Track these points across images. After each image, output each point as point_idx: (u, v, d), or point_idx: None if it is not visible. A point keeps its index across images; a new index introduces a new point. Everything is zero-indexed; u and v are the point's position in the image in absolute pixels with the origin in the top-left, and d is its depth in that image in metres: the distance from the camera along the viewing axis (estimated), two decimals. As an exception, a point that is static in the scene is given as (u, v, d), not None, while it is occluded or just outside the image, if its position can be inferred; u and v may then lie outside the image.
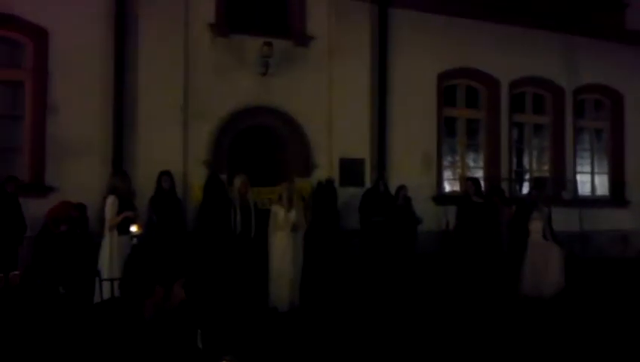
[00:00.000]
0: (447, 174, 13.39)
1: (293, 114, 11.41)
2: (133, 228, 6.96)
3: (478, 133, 13.71)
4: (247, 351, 5.59)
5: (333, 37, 11.73)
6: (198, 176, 10.37)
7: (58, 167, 9.73)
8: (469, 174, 13.08)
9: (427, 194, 12.24)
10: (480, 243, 10.01)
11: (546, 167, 14.37)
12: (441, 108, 12.98)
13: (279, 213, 8.23)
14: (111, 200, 7.23)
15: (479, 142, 13.70)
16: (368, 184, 11.69)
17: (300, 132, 11.50)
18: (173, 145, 10.41)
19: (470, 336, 6.91)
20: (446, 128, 13.29)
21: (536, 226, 9.46)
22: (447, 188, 13.32)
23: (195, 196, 10.25)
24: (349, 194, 11.40)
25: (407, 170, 12.02)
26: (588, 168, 14.89)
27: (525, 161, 14.37)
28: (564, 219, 11.76)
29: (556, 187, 13.81)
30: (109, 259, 7.01)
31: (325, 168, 11.55)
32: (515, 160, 14.01)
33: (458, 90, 13.47)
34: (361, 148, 11.93)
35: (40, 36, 9.94)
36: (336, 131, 11.68)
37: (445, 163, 13.34)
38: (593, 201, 14.33)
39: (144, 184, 9.50)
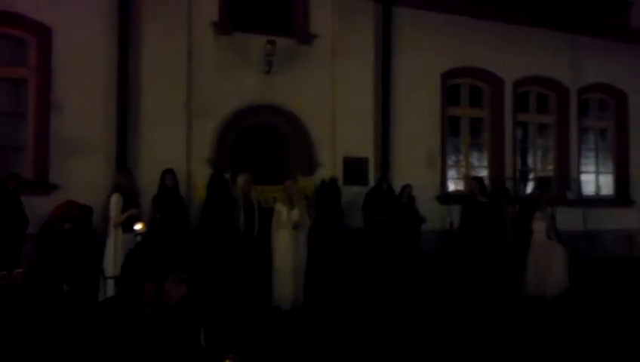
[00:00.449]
0: (451, 173, 13.35)
1: (297, 112, 11.39)
2: (138, 226, 6.95)
3: (482, 133, 13.67)
4: (250, 350, 5.56)
5: (337, 35, 11.70)
6: (201, 175, 10.35)
7: (62, 165, 9.71)
8: (473, 173, 13.05)
9: (431, 194, 12.21)
10: (485, 243, 10.00)
11: (550, 167, 14.33)
12: (445, 107, 12.95)
13: (282, 211, 8.22)
14: (115, 198, 7.23)
15: (483, 142, 13.66)
16: (372, 183, 11.66)
17: (303, 130, 11.47)
18: (176, 144, 10.39)
19: (472, 336, 6.89)
20: (450, 127, 13.25)
21: (539, 226, 9.43)
22: (451, 187, 13.28)
23: (198, 194, 10.23)
24: (352, 193, 11.36)
25: (410, 168, 12.00)
26: (592, 168, 14.85)
27: (529, 160, 14.33)
28: (568, 219, 11.73)
29: (561, 187, 13.77)
30: (113, 256, 7.01)
31: (329, 167, 11.52)
32: (519, 159, 13.98)
33: (462, 89, 13.42)
34: (364, 146, 11.89)
35: (44, 34, 9.92)
36: (339, 130, 11.65)
37: (449, 162, 13.30)
38: (598, 201, 14.29)
39: (147, 182, 9.47)
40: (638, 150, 14.61)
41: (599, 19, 13.91)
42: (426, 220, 11.13)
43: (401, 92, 12.21)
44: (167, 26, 10.47)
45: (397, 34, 12.21)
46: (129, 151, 10.16)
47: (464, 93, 13.45)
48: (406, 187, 11.03)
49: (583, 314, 8.26)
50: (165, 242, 6.68)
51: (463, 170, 13.47)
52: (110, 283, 6.33)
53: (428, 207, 11.57)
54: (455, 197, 12.32)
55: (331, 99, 11.63)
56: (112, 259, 7.00)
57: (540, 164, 14.39)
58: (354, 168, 11.73)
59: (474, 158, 13.69)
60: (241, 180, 8.63)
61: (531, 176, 14.21)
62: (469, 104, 13.52)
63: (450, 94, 13.16)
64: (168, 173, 9.45)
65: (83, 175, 9.57)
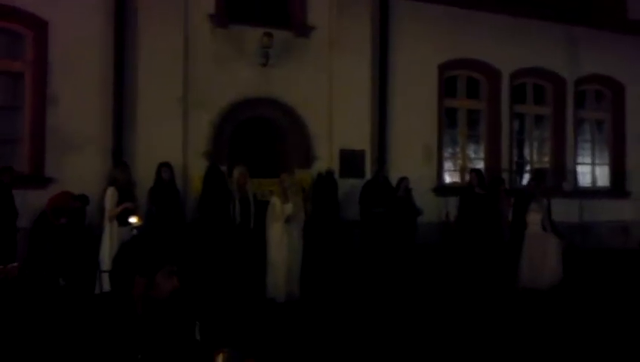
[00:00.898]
0: (447, 165, 13.38)
1: (294, 105, 11.39)
2: (133, 220, 6.98)
3: (479, 124, 13.69)
4: (244, 342, 5.60)
5: (334, 28, 11.68)
6: (197, 168, 10.37)
7: (58, 159, 9.73)
8: (470, 165, 13.08)
9: (427, 186, 12.25)
10: (482, 235, 10.04)
11: (546, 158, 14.35)
12: (442, 99, 12.96)
13: (277, 204, 8.25)
14: (110, 192, 7.27)
15: (480, 133, 13.68)
16: (368, 175, 11.68)
17: (300, 123, 11.48)
18: (173, 137, 10.40)
19: (467, 327, 6.93)
20: (447, 119, 13.28)
21: (533, 218, 9.45)
22: (448, 179, 13.32)
23: (195, 187, 10.25)
24: (349, 186, 11.39)
25: (407, 161, 12.02)
26: (589, 159, 14.88)
27: (526, 152, 14.36)
28: (564, 210, 11.77)
29: (557, 178, 13.80)
30: (109, 250, 7.05)
31: (325, 159, 11.54)
32: (515, 151, 14.00)
33: (459, 80, 13.43)
34: (361, 139, 11.90)
35: (40, 27, 9.92)
36: (336, 122, 11.65)
37: (446, 154, 13.33)
38: (594, 192, 14.33)
39: (144, 175, 9.50)
40: (635, 142, 14.63)
41: (596, 11, 13.88)
42: (423, 212, 11.16)
43: (398, 84, 12.22)
44: (164, 19, 10.44)
45: (394, 26, 12.20)
46: (125, 144, 10.17)
47: (461, 84, 13.46)
48: (403, 179, 11.05)
49: (576, 305, 8.31)
50: (156, 235, 6.71)
51: (459, 162, 13.50)
52: (106, 277, 6.35)
53: (424, 199, 11.60)
54: (452, 189, 12.36)
55: (328, 92, 11.62)
56: (107, 253, 7.04)
57: (536, 155, 14.41)
58: (351, 161, 11.75)
59: (471, 150, 13.72)
60: (236, 173, 8.65)
61: (528, 167, 14.24)
62: (466, 96, 13.52)
63: (447, 86, 13.17)
64: (165, 166, 9.46)
65: (79, 168, 9.59)
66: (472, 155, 13.69)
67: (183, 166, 10.41)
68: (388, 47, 12.16)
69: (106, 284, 6.75)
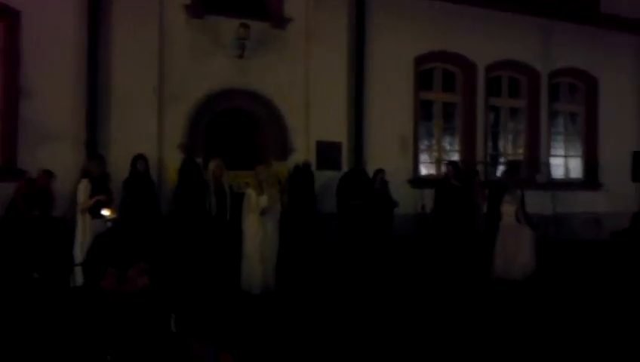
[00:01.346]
0: (423, 157, 13.46)
1: (270, 97, 11.36)
2: (105, 212, 6.93)
3: (455, 117, 13.77)
4: (219, 335, 5.60)
5: (311, 19, 11.66)
6: (173, 159, 10.31)
7: (31, 151, 9.60)
8: (446, 158, 13.18)
9: (403, 178, 12.30)
10: (457, 226, 10.13)
11: (521, 151, 14.50)
12: (418, 92, 13.02)
13: (252, 196, 8.24)
14: (83, 184, 7.20)
15: (455, 126, 13.77)
16: (345, 167, 11.71)
17: (276, 115, 11.46)
18: (148, 128, 10.32)
19: (442, 318, 7.00)
20: (423, 112, 13.33)
21: (507, 209, 9.53)
22: (424, 171, 13.39)
23: (170, 179, 10.19)
24: (325, 178, 11.41)
25: (383, 153, 12.06)
26: (562, 151, 15.06)
27: (501, 144, 14.48)
28: (538, 202, 11.90)
29: (531, 170, 13.95)
30: (81, 243, 6.98)
31: (302, 151, 11.54)
32: (490, 143, 14.11)
33: (435, 73, 13.49)
34: (338, 131, 11.92)
35: (12, 18, 9.75)
36: (313, 114, 11.65)
37: (422, 146, 13.40)
38: (567, 184, 14.51)
39: (118, 167, 9.41)
40: (607, 134, 14.83)
41: (570, 4, 14.03)
42: (399, 204, 11.22)
43: (374, 76, 12.24)
44: (138, 9, 10.34)
45: (371, 18, 12.21)
46: (99, 136, 10.08)
47: (437, 77, 13.52)
48: (379, 171, 11.08)
49: (549, 295, 8.42)
50: (133, 229, 6.67)
51: (435, 154, 13.59)
52: (79, 271, 6.30)
53: (400, 190, 11.65)
54: (427, 181, 12.44)
55: (305, 84, 11.62)
56: (79, 246, 6.96)
57: (510, 147, 14.56)
58: (327, 153, 11.76)
59: (446, 142, 13.81)
60: (212, 165, 8.62)
61: (502, 159, 14.37)
62: (442, 89, 13.59)
63: (423, 79, 13.22)
64: (140, 158, 9.38)
65: (52, 160, 9.44)
66: (448, 147, 13.79)
67: (158, 158, 10.35)
68: (364, 39, 12.17)
69: (79, 278, 6.70)
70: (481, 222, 10.38)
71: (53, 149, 9.59)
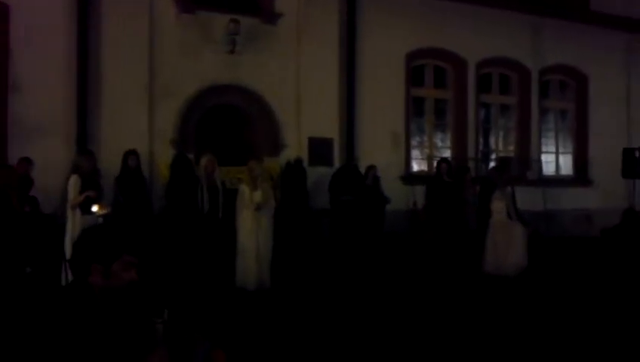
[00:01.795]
0: (415, 154, 13.47)
1: (261, 92, 11.32)
2: (95, 208, 6.85)
3: (446, 113, 13.79)
4: (214, 332, 5.57)
5: (302, 15, 11.63)
6: (164, 155, 10.26)
7: (20, 146, 9.49)
8: (437, 154, 13.19)
9: (395, 174, 12.31)
10: (449, 222, 10.13)
11: (511, 147, 14.55)
12: (409, 88, 13.02)
13: (246, 191, 8.19)
14: (73, 180, 7.12)
15: (447, 122, 13.78)
16: (337, 164, 11.69)
17: (268, 111, 11.42)
18: (138, 124, 10.27)
19: (434, 314, 7.00)
20: (414, 108, 13.33)
21: (497, 206, 9.54)
22: (415, 167, 13.40)
23: (161, 175, 10.13)
24: (318, 174, 11.38)
25: (375, 149, 12.05)
26: (552, 148, 15.11)
27: (492, 141, 14.52)
28: (529, 199, 11.92)
29: (521, 167, 13.99)
30: (72, 239, 6.90)
31: (294, 147, 11.52)
32: (481, 140, 14.14)
33: (426, 69, 13.50)
34: (329, 127, 11.91)
35: (1, 12, 9.65)
36: (304, 110, 11.63)
37: (413, 143, 13.41)
38: (557, 181, 14.56)
39: (109, 163, 9.34)
40: (597, 131, 14.90)
41: (560, 2, 14.08)
42: (391, 201, 11.21)
43: (366, 72, 12.23)
44: (128, 4, 10.29)
45: (362, 14, 12.20)
46: (90, 131, 10.02)
47: (428, 74, 13.53)
48: (371, 168, 11.07)
49: (540, 291, 8.44)
50: (118, 224, 6.62)
51: (426, 150, 13.60)
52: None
53: (392, 187, 11.65)
54: (419, 177, 12.45)
55: (296, 80, 11.59)
56: (70, 242, 6.90)
57: (501, 144, 14.60)
58: (319, 149, 11.74)
59: (438, 139, 13.83)
60: (204, 161, 8.55)
61: (493, 156, 14.41)
62: (433, 85, 13.60)
63: (414, 75, 13.23)
64: (131, 153, 9.32)
65: (42, 156, 9.34)
66: (439, 144, 13.81)
67: (149, 153, 10.30)
68: (356, 35, 12.15)
69: (70, 274, 6.64)
70: (474, 218, 10.40)
71: (43, 144, 9.51)
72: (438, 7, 12.68)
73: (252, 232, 8.12)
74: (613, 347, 5.75)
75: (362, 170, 11.16)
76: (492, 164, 13.95)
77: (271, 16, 11.44)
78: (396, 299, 7.76)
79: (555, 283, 8.95)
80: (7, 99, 9.63)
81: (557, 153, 15.16)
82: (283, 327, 6.33)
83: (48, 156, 9.42)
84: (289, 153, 11.41)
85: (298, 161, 11.16)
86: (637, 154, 12.78)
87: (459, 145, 13.56)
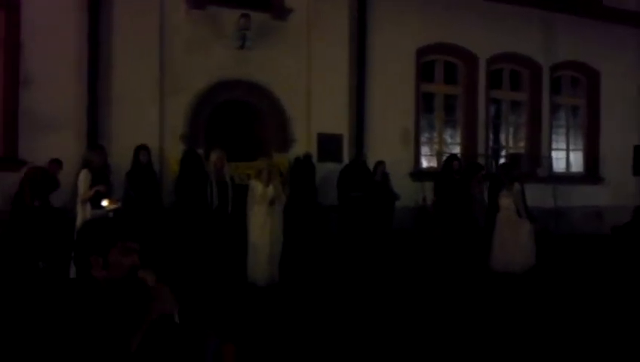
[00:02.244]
0: (424, 150, 13.43)
1: (271, 88, 11.32)
2: (105, 203, 6.89)
3: (456, 109, 13.73)
4: (225, 326, 5.59)
5: (312, 10, 11.60)
6: (174, 151, 10.29)
7: (31, 141, 9.57)
8: (447, 150, 13.14)
9: (404, 170, 12.27)
10: (458, 219, 10.09)
11: (522, 144, 14.47)
12: (419, 84, 12.98)
13: (257, 187, 8.20)
14: (83, 175, 7.17)
15: (457, 118, 13.73)
16: (346, 160, 11.68)
17: (277, 106, 11.42)
18: (149, 119, 10.30)
19: (442, 311, 6.99)
20: (424, 104, 13.29)
21: (504, 203, 9.50)
22: (425, 163, 13.36)
23: (171, 170, 10.17)
24: (327, 170, 11.38)
25: (384, 145, 12.03)
26: (563, 145, 15.01)
27: (502, 137, 14.45)
28: (539, 196, 11.89)
29: (532, 163, 13.92)
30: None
31: (303, 143, 11.51)
32: (492, 136, 14.08)
33: (436, 65, 13.44)
34: (339, 123, 11.89)
35: (12, 7, 9.70)
36: (314, 106, 11.62)
37: (423, 139, 13.37)
38: (568, 178, 14.49)
39: (120, 158, 9.39)
40: (609, 128, 14.80)
41: (572, -3, 13.99)
42: (400, 197, 11.18)
43: (376, 68, 12.19)
44: (139, 0, 10.28)
45: (372, 10, 12.16)
46: (100, 126, 10.05)
47: (438, 69, 13.48)
48: (380, 164, 11.04)
49: (549, 289, 8.40)
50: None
51: (436, 146, 13.55)
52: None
53: (401, 183, 11.62)
54: (428, 173, 12.41)
55: (306, 75, 11.58)
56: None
57: (512, 140, 14.52)
58: (328, 145, 11.73)
59: (447, 135, 13.78)
60: (213, 156, 8.56)
61: (503, 152, 14.35)
62: (444, 81, 13.55)
63: (424, 71, 13.18)
64: (142, 149, 9.38)
65: (53, 151, 9.42)
66: (449, 140, 13.76)
67: (160, 149, 10.32)
68: (366, 30, 12.12)
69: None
70: (482, 215, 10.36)
71: (54, 139, 9.56)
72: (449, 2, 12.64)
73: (264, 228, 8.12)
74: (622, 345, 5.72)
75: (371, 166, 11.13)
76: (502, 161, 13.90)
77: (281, 12, 11.43)
78: (404, 296, 7.75)
79: (563, 281, 8.91)
80: (18, 95, 9.68)
81: (567, 150, 15.06)
82: (292, 323, 6.34)
83: (59, 151, 9.47)
84: (298, 149, 11.41)
85: (307, 157, 11.16)
86: (648, 151, 12.70)
87: (469, 142, 13.50)
